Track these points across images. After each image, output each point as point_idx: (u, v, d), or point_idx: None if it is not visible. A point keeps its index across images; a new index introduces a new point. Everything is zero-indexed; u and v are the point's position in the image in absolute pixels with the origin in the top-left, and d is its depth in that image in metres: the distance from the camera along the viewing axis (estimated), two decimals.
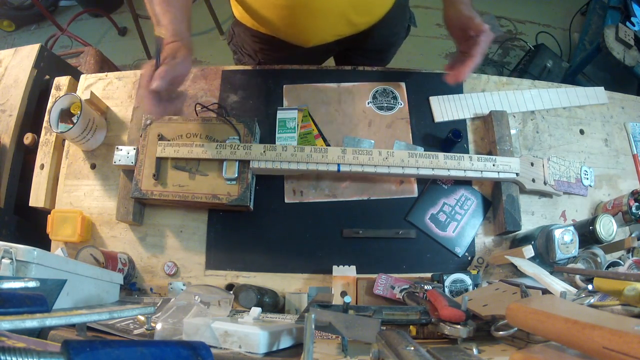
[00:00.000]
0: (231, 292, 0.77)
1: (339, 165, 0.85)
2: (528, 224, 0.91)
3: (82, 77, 1.04)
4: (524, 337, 0.56)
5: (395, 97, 1.00)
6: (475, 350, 0.52)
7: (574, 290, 0.67)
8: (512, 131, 0.97)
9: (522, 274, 0.81)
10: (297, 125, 0.96)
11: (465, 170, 0.87)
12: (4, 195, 0.96)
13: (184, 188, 0.86)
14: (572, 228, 0.80)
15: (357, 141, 0.92)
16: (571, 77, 1.93)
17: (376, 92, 1.00)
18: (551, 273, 0.76)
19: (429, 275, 0.88)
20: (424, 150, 0.91)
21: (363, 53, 1.10)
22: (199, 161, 0.87)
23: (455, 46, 0.88)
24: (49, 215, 0.90)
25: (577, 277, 0.72)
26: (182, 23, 0.78)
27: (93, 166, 0.96)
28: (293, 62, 1.04)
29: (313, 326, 0.47)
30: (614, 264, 0.82)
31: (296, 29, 0.93)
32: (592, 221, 0.81)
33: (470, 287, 0.84)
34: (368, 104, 0.99)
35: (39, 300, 0.42)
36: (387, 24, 1.00)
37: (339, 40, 0.98)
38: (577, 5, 2.30)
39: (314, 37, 0.96)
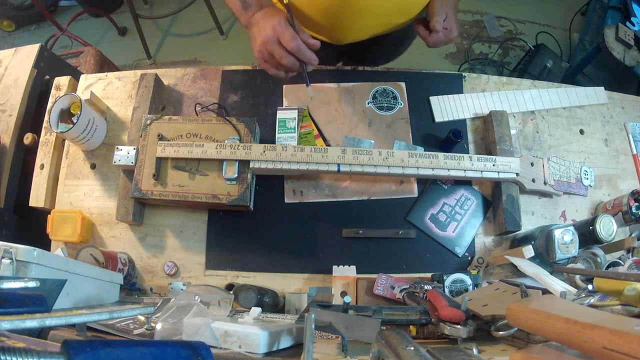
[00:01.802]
0: (231, 292, 0.77)
1: (339, 165, 0.85)
2: (528, 224, 0.91)
3: (82, 77, 1.04)
4: (524, 337, 0.56)
5: (395, 97, 1.00)
6: (475, 350, 0.52)
7: (574, 290, 0.67)
8: (512, 131, 0.97)
9: (522, 274, 0.81)
10: (297, 125, 0.96)
11: (465, 170, 0.87)
12: (4, 195, 0.96)
13: (184, 188, 0.86)
14: (572, 228, 0.80)
15: (357, 141, 0.92)
16: (571, 77, 1.93)
17: (376, 92, 1.00)
18: (551, 273, 0.76)
19: (429, 275, 0.88)
20: (424, 150, 0.90)
21: (379, 49, 1.09)
22: (199, 161, 0.87)
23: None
24: (49, 215, 0.90)
25: (577, 277, 0.72)
26: None
27: (93, 166, 0.96)
28: (319, 59, 1.04)
29: (313, 326, 0.47)
30: (614, 264, 0.82)
31: (336, 26, 0.93)
32: (592, 221, 0.81)
33: (470, 287, 0.84)
34: (368, 104, 0.99)
35: (39, 300, 0.42)
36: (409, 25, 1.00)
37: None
38: (577, 5, 2.30)
39: (350, 36, 0.96)
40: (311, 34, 0.97)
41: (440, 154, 0.86)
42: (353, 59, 1.21)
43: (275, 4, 0.85)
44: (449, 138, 0.93)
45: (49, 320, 0.38)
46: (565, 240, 0.79)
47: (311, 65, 0.80)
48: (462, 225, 0.92)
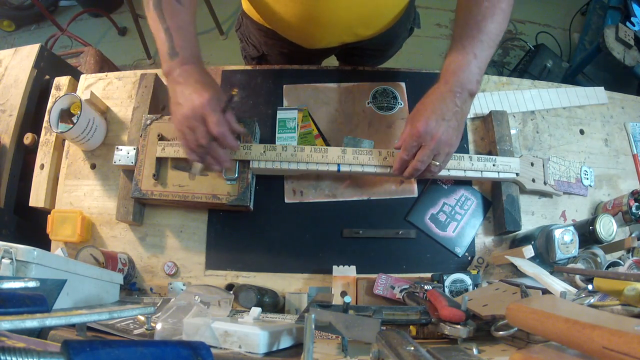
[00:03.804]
0: (231, 292, 0.77)
1: (339, 165, 0.85)
2: (528, 224, 0.91)
3: (82, 77, 1.04)
4: (524, 337, 0.56)
5: (395, 97, 1.00)
6: (475, 350, 0.52)
7: (574, 290, 0.67)
8: (512, 131, 0.97)
9: (522, 274, 0.81)
10: (297, 125, 0.96)
11: (465, 170, 0.87)
12: (4, 195, 0.96)
13: (184, 188, 0.86)
14: (572, 228, 0.80)
15: (357, 141, 0.92)
16: (571, 77, 1.93)
17: (376, 92, 1.00)
18: (551, 273, 0.76)
19: (429, 275, 0.88)
20: None
21: (363, 52, 1.10)
22: None
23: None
24: (49, 215, 0.90)
25: (577, 277, 0.72)
26: (195, 43, 0.76)
27: (93, 166, 0.96)
28: (296, 58, 1.05)
29: (313, 326, 0.47)
30: (614, 264, 0.82)
31: (302, 34, 0.94)
32: (592, 221, 0.81)
33: (470, 287, 0.84)
34: (368, 104, 0.99)
35: (39, 300, 0.42)
36: (391, 30, 1.00)
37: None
38: (577, 5, 2.30)
39: (318, 43, 0.97)
40: (285, 36, 0.98)
41: None
42: (344, 61, 1.21)
43: (199, 61, 0.77)
44: None
45: (49, 320, 0.38)
46: (565, 240, 0.79)
47: (232, 150, 0.78)
48: (462, 225, 0.92)
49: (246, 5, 1.03)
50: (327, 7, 0.81)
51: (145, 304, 0.78)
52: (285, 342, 0.59)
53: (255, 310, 0.64)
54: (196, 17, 0.78)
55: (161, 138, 0.88)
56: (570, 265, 0.80)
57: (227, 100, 0.75)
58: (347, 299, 0.59)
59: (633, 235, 0.85)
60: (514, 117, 1.00)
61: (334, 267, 0.86)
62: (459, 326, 0.56)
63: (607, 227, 0.80)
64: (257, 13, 0.99)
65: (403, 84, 1.01)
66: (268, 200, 0.92)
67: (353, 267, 0.86)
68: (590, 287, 0.62)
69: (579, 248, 0.79)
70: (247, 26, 1.10)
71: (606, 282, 0.54)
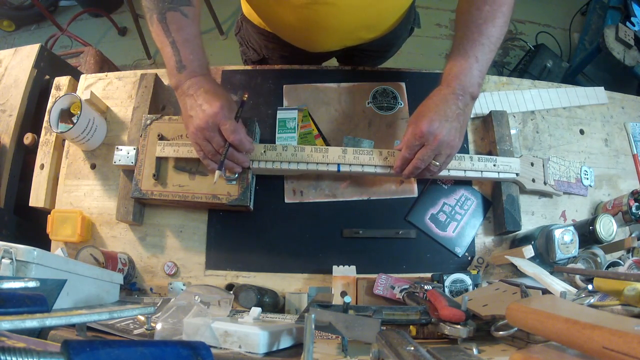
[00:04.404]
0: (231, 292, 0.77)
1: (339, 165, 0.85)
2: (528, 224, 0.91)
3: (82, 77, 1.04)
4: (524, 337, 0.56)
5: (395, 97, 1.00)
6: (475, 350, 0.52)
7: (574, 290, 0.67)
8: (512, 131, 0.97)
9: (522, 274, 0.81)
10: (297, 125, 0.96)
11: (465, 170, 0.87)
12: (4, 195, 0.96)
13: (184, 188, 0.86)
14: (572, 228, 0.80)
15: (357, 141, 0.92)
16: (571, 77, 1.93)
17: (376, 92, 1.00)
18: (551, 273, 0.76)
19: (429, 275, 0.88)
20: None
21: (364, 53, 1.10)
22: (199, 161, 0.87)
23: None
24: (49, 215, 0.90)
25: (577, 277, 0.72)
26: (203, 54, 0.76)
27: (93, 166, 0.96)
28: (297, 60, 1.05)
29: (313, 326, 0.47)
30: (614, 264, 0.82)
31: (305, 39, 0.95)
32: (592, 221, 0.81)
33: (470, 287, 0.84)
34: (368, 104, 0.99)
35: (39, 300, 0.42)
36: (392, 33, 1.00)
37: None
38: (577, 5, 2.30)
39: (321, 47, 0.97)
40: (287, 41, 0.98)
41: None
42: (344, 62, 1.22)
43: (209, 71, 0.79)
44: None
45: (49, 320, 0.38)
46: (565, 240, 0.79)
47: (249, 153, 0.80)
48: (462, 225, 0.92)
49: (246, 10, 1.03)
50: (331, 12, 0.81)
51: (145, 304, 0.78)
52: (285, 342, 0.59)
53: (255, 310, 0.64)
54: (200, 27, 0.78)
55: (161, 138, 0.88)
56: (570, 265, 0.80)
57: (239, 106, 0.75)
58: (347, 299, 0.59)
59: (633, 235, 0.85)
60: (514, 117, 1.00)
61: (334, 267, 0.86)
62: (459, 326, 0.56)
63: (607, 227, 0.80)
64: (258, 17, 0.99)
65: (403, 84, 1.01)
66: (268, 200, 0.92)
67: (353, 267, 0.86)
68: (590, 287, 0.62)
69: (579, 248, 0.79)
70: (247, 30, 1.10)
71: (606, 282, 0.54)
